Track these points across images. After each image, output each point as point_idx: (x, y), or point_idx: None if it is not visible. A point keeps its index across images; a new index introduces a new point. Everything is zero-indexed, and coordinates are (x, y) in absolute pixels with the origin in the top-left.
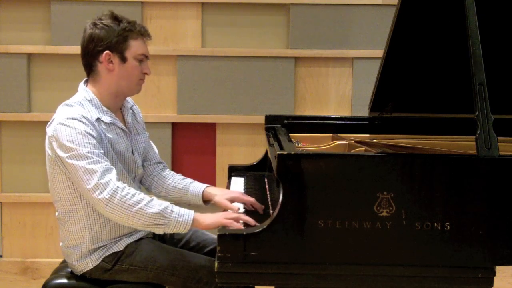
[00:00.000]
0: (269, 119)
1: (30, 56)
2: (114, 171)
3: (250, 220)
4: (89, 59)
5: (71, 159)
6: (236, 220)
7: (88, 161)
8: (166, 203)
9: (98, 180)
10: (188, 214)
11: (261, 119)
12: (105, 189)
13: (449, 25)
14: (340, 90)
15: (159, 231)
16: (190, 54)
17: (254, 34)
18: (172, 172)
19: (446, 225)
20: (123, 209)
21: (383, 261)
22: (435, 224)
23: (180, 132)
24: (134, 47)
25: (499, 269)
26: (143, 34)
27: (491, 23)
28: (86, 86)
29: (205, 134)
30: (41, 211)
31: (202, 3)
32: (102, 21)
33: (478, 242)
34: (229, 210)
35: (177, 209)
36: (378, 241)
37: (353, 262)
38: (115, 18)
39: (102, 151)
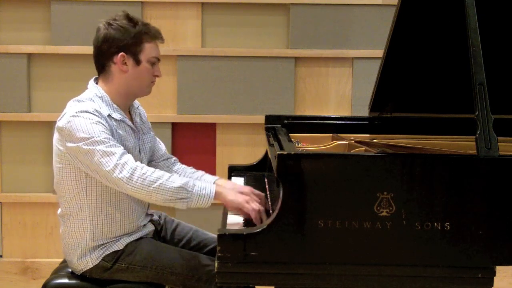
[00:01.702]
0: (269, 119)
1: (30, 56)
2: (130, 155)
3: (263, 219)
4: (103, 59)
5: (88, 145)
6: (256, 211)
7: (105, 145)
8: (187, 178)
9: (117, 161)
10: (210, 187)
11: (261, 119)
12: (124, 168)
13: (449, 25)
14: (340, 90)
15: (183, 206)
16: (190, 54)
17: (254, 34)
18: (184, 166)
19: (446, 225)
20: (144, 185)
21: (383, 261)
22: (435, 224)
23: (180, 132)
24: (148, 50)
25: (499, 269)
26: (157, 37)
27: (491, 23)
28: (97, 83)
29: (205, 134)
30: (41, 211)
31: (202, 3)
32: (117, 22)
33: (478, 242)
34: (249, 194)
35: (198, 183)
36: (378, 241)
37: (353, 262)
38: (130, 20)
39: (114, 141)
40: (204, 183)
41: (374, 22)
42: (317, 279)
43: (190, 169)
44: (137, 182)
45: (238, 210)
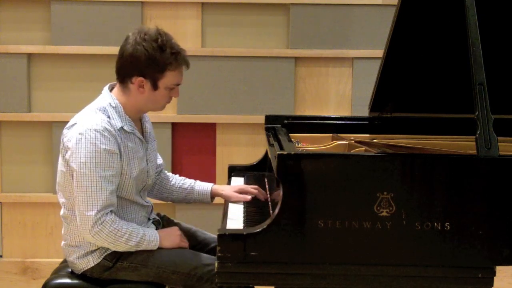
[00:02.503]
0: (269, 119)
1: (30, 56)
2: (113, 203)
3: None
4: (123, 74)
5: (78, 179)
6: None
7: (95, 188)
8: (141, 232)
9: (95, 215)
10: (156, 240)
11: (261, 119)
12: (96, 224)
13: (449, 25)
14: (340, 90)
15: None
16: (190, 54)
17: (254, 34)
18: (170, 173)
19: (446, 225)
20: (105, 242)
21: (383, 261)
22: (435, 224)
23: (180, 132)
24: (169, 77)
25: (499, 269)
26: (184, 65)
27: (491, 23)
28: (111, 91)
29: (205, 134)
30: (41, 211)
31: (202, 3)
32: (145, 44)
33: (478, 242)
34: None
35: (148, 237)
36: (378, 241)
37: (353, 262)
38: (160, 45)
39: (114, 172)
40: (153, 236)
41: (374, 22)
42: (317, 279)
43: (177, 176)
44: (98, 238)
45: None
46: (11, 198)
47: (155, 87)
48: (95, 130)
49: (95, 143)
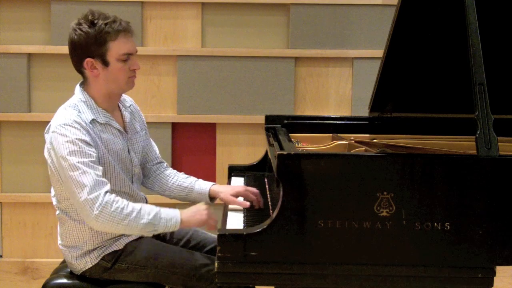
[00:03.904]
0: (269, 119)
1: (30, 56)
2: (104, 183)
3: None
4: (76, 66)
5: (63, 171)
6: (215, 223)
7: (78, 172)
8: (154, 211)
9: (88, 195)
10: (175, 217)
11: (261, 119)
12: (94, 205)
13: (449, 25)
14: (340, 90)
15: (149, 235)
16: (190, 54)
17: (254, 34)
18: (175, 171)
19: (446, 225)
20: (113, 223)
21: (383, 261)
22: (435, 224)
23: (180, 132)
24: (114, 48)
25: (499, 269)
26: (123, 30)
27: (491, 23)
28: (82, 88)
29: (205, 134)
30: (41, 211)
31: (202, 3)
32: (80, 27)
33: (478, 242)
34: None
35: (165, 214)
36: (378, 241)
37: (353, 262)
38: (91, 22)
39: (93, 158)
40: (171, 214)
41: (374, 22)
42: (317, 279)
43: (182, 174)
44: (106, 220)
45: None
46: (11, 198)
47: (105, 63)
48: (65, 124)
49: (67, 134)
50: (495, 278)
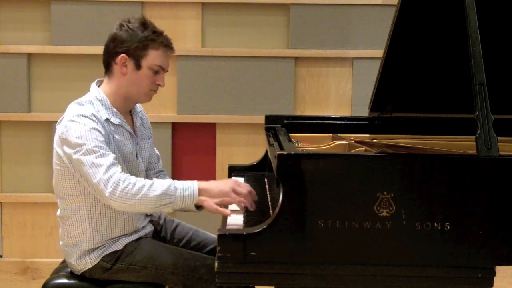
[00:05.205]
0: (269, 119)
1: (30, 56)
2: (118, 165)
3: (250, 206)
4: (107, 58)
5: (79, 154)
6: (242, 200)
7: (95, 155)
8: (168, 182)
9: (103, 175)
10: (192, 186)
11: (261, 119)
12: (108, 183)
13: (449, 25)
14: (340, 90)
15: (169, 210)
16: (190, 54)
17: (254, 34)
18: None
19: (446, 225)
20: (127, 199)
21: (383, 261)
22: (435, 224)
23: (180, 132)
24: (152, 56)
25: (499, 269)
26: (166, 45)
27: (491, 23)
28: (99, 86)
29: (205, 134)
30: (41, 211)
31: (202, 3)
32: (129, 24)
33: (478, 242)
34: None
35: (180, 184)
36: (378, 241)
37: (353, 262)
38: (143, 24)
39: (107, 145)
40: (186, 183)
41: (374, 22)
42: (317, 279)
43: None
44: (119, 196)
45: (224, 201)
46: (11, 198)
47: (138, 66)
48: (83, 115)
49: (85, 123)
50: (495, 278)
